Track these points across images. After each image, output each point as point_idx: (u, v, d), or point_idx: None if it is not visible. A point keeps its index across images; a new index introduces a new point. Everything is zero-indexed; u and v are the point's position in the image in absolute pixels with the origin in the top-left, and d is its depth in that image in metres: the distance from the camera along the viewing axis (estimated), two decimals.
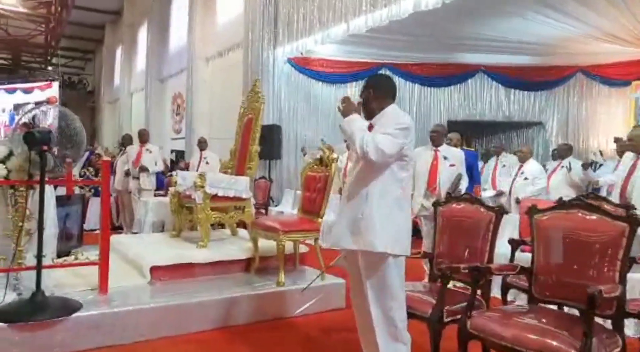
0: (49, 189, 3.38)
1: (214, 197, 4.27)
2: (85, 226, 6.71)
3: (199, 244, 4.19)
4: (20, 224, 3.01)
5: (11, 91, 18.89)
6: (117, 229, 7.20)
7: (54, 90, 19.02)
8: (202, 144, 7.65)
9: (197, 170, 7.34)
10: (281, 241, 3.66)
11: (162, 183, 7.76)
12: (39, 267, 2.92)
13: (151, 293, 3.48)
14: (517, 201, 5.62)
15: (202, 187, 4.21)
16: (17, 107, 18.37)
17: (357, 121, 2.33)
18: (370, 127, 2.36)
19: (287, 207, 8.03)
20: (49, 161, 2.99)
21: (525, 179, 5.69)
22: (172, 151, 12.45)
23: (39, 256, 2.91)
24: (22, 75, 20.42)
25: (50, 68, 22.23)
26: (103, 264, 3.26)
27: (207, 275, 3.90)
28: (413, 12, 6.13)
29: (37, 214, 2.95)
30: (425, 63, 9.48)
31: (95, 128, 22.21)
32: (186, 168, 8.80)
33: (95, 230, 7.99)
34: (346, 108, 2.36)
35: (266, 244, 4.04)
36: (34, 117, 3.12)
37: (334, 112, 9.54)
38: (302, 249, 4.26)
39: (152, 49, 15.24)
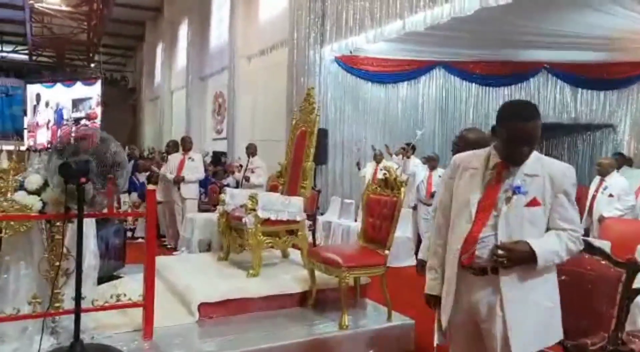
0: (88, 221, 3.04)
1: (266, 220, 3.86)
2: (128, 234, 6.51)
3: (249, 273, 3.79)
4: (57, 263, 2.67)
5: (50, 85, 19.25)
6: (161, 237, 6.90)
7: (96, 87, 19.26)
8: (252, 150, 7.25)
9: (242, 178, 6.99)
10: (344, 278, 3.21)
11: (207, 191, 7.47)
12: (77, 313, 2.58)
13: (200, 336, 3.11)
14: (600, 220, 4.99)
15: (254, 210, 3.81)
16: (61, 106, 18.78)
17: (543, 248, 1.82)
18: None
19: (334, 216, 7.56)
20: (87, 193, 2.63)
21: (611, 195, 5.02)
22: (213, 153, 12.15)
23: (78, 300, 2.57)
24: (65, 73, 20.75)
25: (92, 65, 22.54)
26: (148, 306, 2.89)
27: (260, 310, 3.50)
28: (480, 8, 5.53)
29: (75, 251, 2.60)
30: (484, 61, 8.78)
31: (136, 126, 22.36)
32: (231, 172, 8.48)
33: (137, 239, 7.78)
34: (516, 256, 1.81)
35: (324, 274, 3.61)
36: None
37: (383, 113, 9.06)
38: (363, 279, 3.80)
39: (193, 46, 15.01)
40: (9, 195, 2.72)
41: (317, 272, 3.58)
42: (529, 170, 1.86)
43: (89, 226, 3.10)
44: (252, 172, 6.87)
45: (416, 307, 3.25)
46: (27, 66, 21.52)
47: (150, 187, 3.01)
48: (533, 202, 1.83)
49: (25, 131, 19.08)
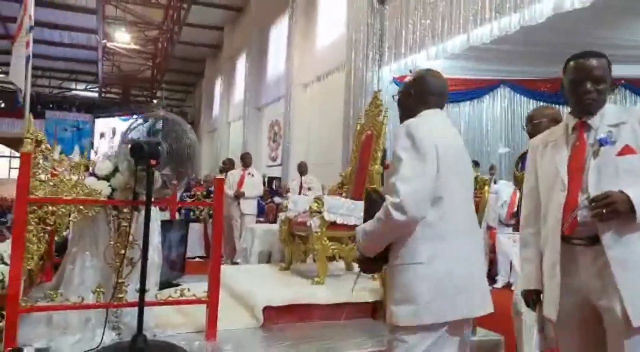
0: (154, 212, 2.95)
1: (332, 225, 3.66)
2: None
3: (314, 281, 3.57)
4: (123, 251, 2.57)
5: (127, 118, 20.29)
6: None
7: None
8: (303, 168, 7.20)
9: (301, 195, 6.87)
10: None
11: (263, 209, 7.38)
12: (141, 305, 2.44)
13: (264, 340, 2.89)
14: None
15: (320, 212, 3.62)
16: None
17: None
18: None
19: None
20: (156, 179, 2.54)
21: None
22: (267, 178, 12.22)
23: (142, 291, 2.43)
24: (130, 108, 21.87)
25: (154, 101, 23.67)
26: (212, 304, 2.73)
27: (327, 319, 3.25)
28: (552, 15, 5.26)
29: (141, 240, 2.49)
30: (552, 78, 8.39)
31: None
32: (285, 192, 8.41)
33: (194, 258, 7.75)
34: (611, 206, 1.61)
35: None
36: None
37: None
38: None
39: (250, 78, 15.43)
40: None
41: None
42: (612, 120, 1.72)
43: (154, 220, 3.02)
44: (309, 189, 6.74)
45: (501, 326, 2.96)
46: (96, 102, 22.90)
47: (219, 176, 2.89)
48: (626, 151, 1.65)
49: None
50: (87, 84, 23.48)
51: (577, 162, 1.73)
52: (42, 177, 2.54)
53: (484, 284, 1.83)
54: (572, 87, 1.78)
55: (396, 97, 2.01)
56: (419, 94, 1.91)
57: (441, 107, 1.92)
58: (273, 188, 10.97)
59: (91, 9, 14.92)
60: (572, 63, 1.82)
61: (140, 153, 2.38)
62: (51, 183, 2.48)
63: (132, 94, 23.07)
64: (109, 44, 16.84)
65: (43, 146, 2.45)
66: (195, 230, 8.30)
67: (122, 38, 16.67)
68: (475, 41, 6.32)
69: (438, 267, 1.66)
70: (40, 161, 2.43)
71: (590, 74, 1.73)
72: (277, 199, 8.39)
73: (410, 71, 7.97)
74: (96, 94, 23.72)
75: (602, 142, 1.69)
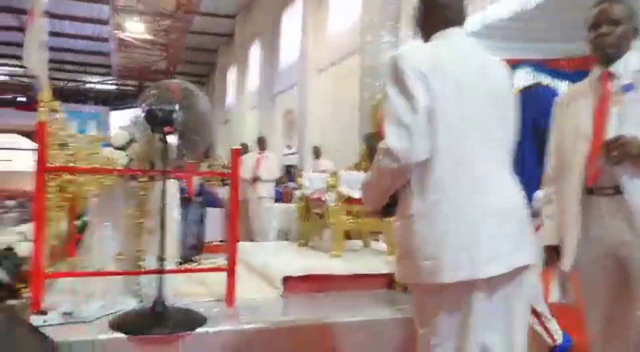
0: (172, 184, 2.97)
1: (348, 199, 3.64)
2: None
3: (332, 254, 3.57)
4: (141, 220, 2.58)
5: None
6: None
7: None
8: (317, 152, 7.18)
9: None
10: None
11: (280, 194, 7.39)
12: (160, 273, 2.46)
13: (284, 308, 2.90)
14: None
15: (335, 187, 3.60)
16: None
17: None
18: None
19: None
20: (171, 148, 2.55)
21: None
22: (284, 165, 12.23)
23: (161, 259, 2.45)
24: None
25: None
26: (230, 271, 2.73)
27: (345, 289, 3.25)
28: None
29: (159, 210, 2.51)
30: (576, 56, 8.13)
31: (208, 149, 23.11)
32: (299, 177, 8.41)
33: (212, 242, 7.79)
34: (627, 147, 1.56)
35: None
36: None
37: None
38: None
39: (263, 66, 15.39)
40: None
41: None
42: (637, 66, 1.68)
43: (173, 194, 3.03)
44: (323, 171, 6.71)
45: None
46: (112, 94, 23.15)
47: (234, 146, 2.89)
48: None
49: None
50: (100, 76, 23.71)
51: (601, 111, 1.69)
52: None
53: (500, 241, 1.45)
54: (591, 33, 1.75)
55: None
56: (427, 10, 1.63)
57: (460, 24, 1.62)
58: (290, 173, 11.00)
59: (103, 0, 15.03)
60: (591, 10, 1.78)
61: (154, 120, 2.39)
62: (69, 152, 2.49)
63: (146, 86, 23.25)
64: (121, 35, 16.94)
65: (58, 115, 2.46)
66: (214, 215, 8.35)
67: (135, 28, 16.75)
68: (492, 18, 6.20)
69: (432, 223, 1.42)
70: (56, 130, 2.44)
71: (606, 16, 1.70)
72: (292, 184, 8.40)
73: None
74: (111, 86, 23.96)
75: (625, 89, 1.65)
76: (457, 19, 1.60)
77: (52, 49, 17.89)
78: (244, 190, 6.57)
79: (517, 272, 1.44)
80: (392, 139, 1.39)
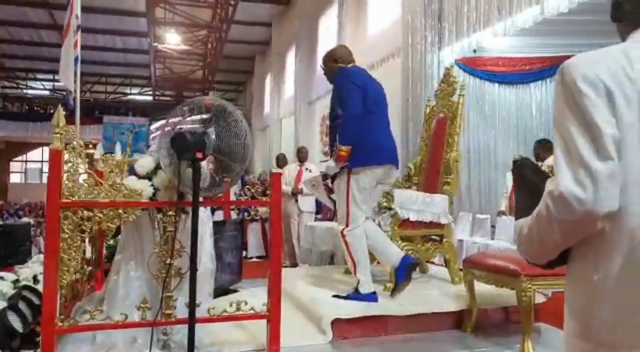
0: (204, 213, 2.60)
1: (404, 222, 3.19)
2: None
3: (387, 286, 3.12)
4: (169, 261, 2.21)
5: None
6: None
7: None
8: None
9: None
10: (525, 290, 2.39)
11: (320, 205, 6.98)
12: (192, 323, 2.08)
13: None
14: None
15: (390, 208, 3.16)
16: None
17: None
18: None
19: (464, 233, 6.64)
20: (204, 175, 2.17)
21: None
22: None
23: (192, 308, 2.07)
24: None
25: None
26: (273, 319, 2.33)
27: (404, 332, 2.79)
28: None
29: (189, 248, 2.13)
30: None
31: None
32: None
33: (252, 258, 7.47)
34: None
35: (483, 290, 2.83)
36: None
37: (515, 118, 8.02)
38: (538, 296, 2.94)
39: (300, 72, 15.09)
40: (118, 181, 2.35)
41: (476, 287, 2.81)
42: None
43: (205, 222, 2.67)
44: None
45: None
46: (150, 105, 23.43)
47: (277, 170, 2.49)
48: None
49: None
50: (140, 88, 24.05)
51: None
52: (80, 179, 2.23)
53: None
54: None
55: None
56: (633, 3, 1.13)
57: None
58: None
59: (140, 13, 15.09)
60: None
61: (183, 145, 2.01)
62: (86, 185, 2.15)
63: (184, 96, 23.39)
64: (159, 46, 17.02)
65: (75, 142, 2.12)
66: (253, 230, 8.03)
67: (172, 40, 16.81)
68: (551, 12, 5.60)
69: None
70: (72, 160, 2.10)
71: None
72: (334, 196, 7.97)
73: (475, 51, 7.37)
74: (150, 97, 24.27)
75: None
76: None
77: (94, 62, 18.20)
78: (284, 205, 6.18)
79: None
80: (568, 182, 0.95)
